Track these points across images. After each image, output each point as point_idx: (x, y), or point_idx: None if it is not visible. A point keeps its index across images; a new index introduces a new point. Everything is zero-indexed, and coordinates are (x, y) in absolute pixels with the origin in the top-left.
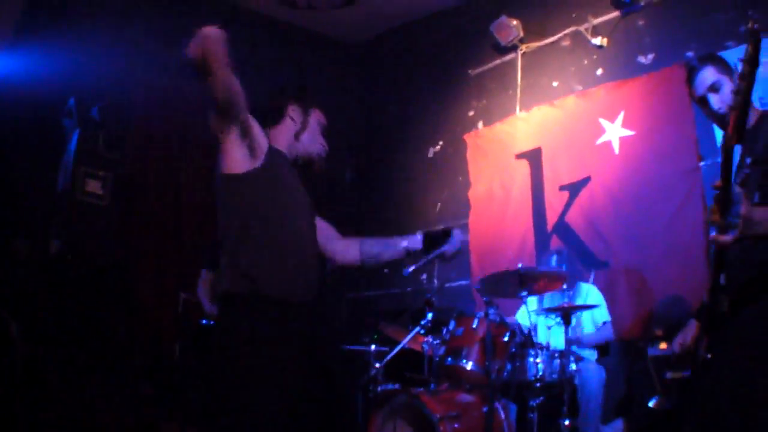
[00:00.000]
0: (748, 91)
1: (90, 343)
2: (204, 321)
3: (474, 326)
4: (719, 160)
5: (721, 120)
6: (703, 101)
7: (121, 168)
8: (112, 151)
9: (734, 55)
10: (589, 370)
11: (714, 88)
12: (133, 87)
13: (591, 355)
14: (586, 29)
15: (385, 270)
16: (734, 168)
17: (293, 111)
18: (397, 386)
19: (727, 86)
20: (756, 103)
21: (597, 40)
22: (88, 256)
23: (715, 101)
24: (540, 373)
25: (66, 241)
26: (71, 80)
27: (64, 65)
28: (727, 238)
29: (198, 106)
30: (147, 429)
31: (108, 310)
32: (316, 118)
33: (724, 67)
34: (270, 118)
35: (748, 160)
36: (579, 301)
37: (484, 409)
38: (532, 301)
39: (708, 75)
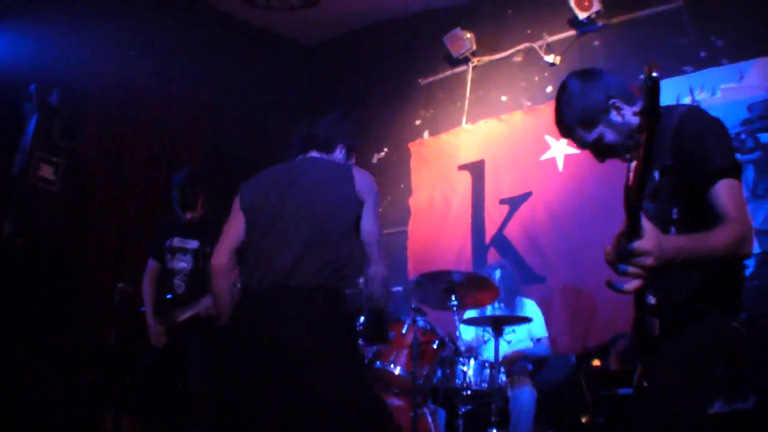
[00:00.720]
0: (649, 143)
1: (34, 326)
2: (143, 308)
3: (403, 332)
4: None
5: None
6: (587, 147)
7: (73, 155)
8: (66, 138)
9: (690, 81)
10: (522, 383)
11: (594, 146)
12: (92, 76)
13: (525, 368)
14: (540, 46)
15: None
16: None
17: (341, 150)
18: None
19: (608, 135)
20: None
21: (550, 58)
22: (36, 240)
23: (599, 156)
24: (469, 382)
25: (17, 223)
26: (33, 66)
27: (27, 50)
28: (631, 286)
29: (152, 100)
30: (89, 416)
31: (53, 295)
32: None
33: (593, 118)
34: (320, 145)
35: (656, 173)
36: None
37: (412, 414)
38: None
39: (581, 137)
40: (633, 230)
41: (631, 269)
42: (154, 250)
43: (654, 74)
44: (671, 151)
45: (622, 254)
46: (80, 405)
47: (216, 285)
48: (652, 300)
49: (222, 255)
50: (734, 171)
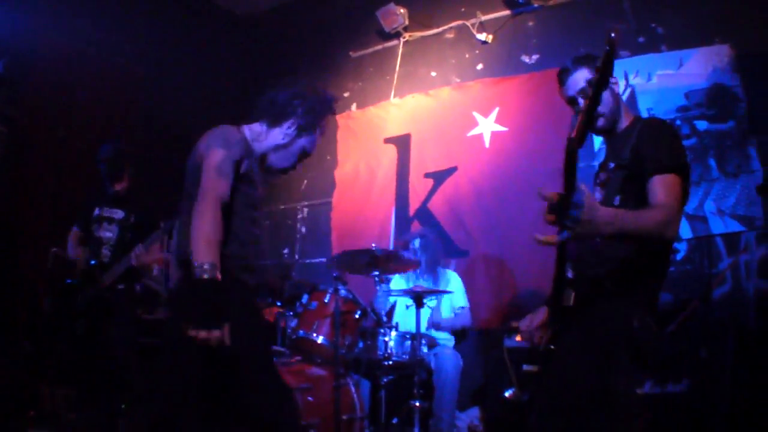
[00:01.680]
0: (596, 96)
1: None
2: (69, 280)
3: (326, 301)
4: (594, 163)
5: (595, 129)
6: (573, 102)
7: (15, 124)
8: (10, 106)
9: (625, 65)
10: (446, 355)
11: (584, 91)
12: (39, 46)
13: (449, 341)
14: (473, 24)
15: None
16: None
17: (291, 126)
18: None
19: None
20: (642, 112)
21: (482, 36)
22: None
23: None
24: (390, 353)
25: None
26: None
27: None
28: (559, 238)
29: (93, 70)
30: (26, 387)
31: None
32: (303, 143)
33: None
34: (270, 118)
35: (612, 165)
36: (439, 287)
37: (335, 384)
38: (397, 281)
39: (580, 77)
40: (568, 184)
41: (560, 220)
42: (79, 218)
43: (612, 35)
44: (631, 150)
45: (555, 205)
46: (18, 376)
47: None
48: (570, 274)
49: None
50: (676, 169)
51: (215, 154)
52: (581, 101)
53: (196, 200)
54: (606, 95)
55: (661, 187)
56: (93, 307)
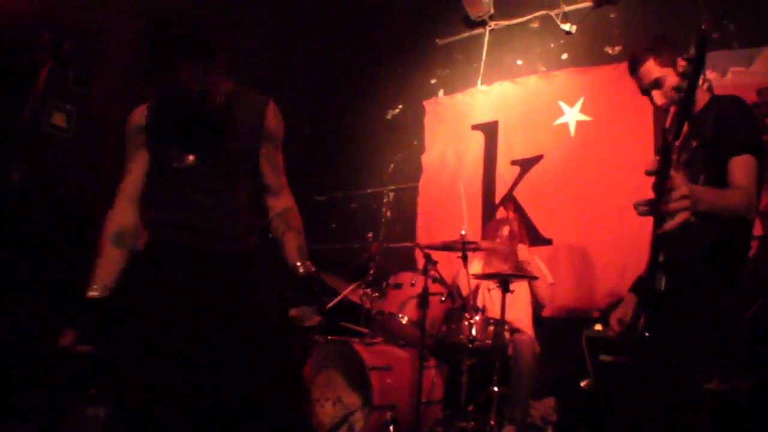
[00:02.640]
0: (691, 90)
1: (42, 275)
2: None
3: (413, 282)
4: None
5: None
6: (647, 93)
7: (87, 103)
8: (80, 86)
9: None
10: (524, 342)
11: (657, 83)
12: (108, 24)
13: (528, 327)
14: (557, 14)
15: (333, 225)
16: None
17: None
18: (333, 336)
19: (670, 80)
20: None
21: (566, 26)
22: (47, 187)
23: (657, 97)
24: (473, 337)
25: (26, 170)
26: (47, 12)
27: None
28: (673, 222)
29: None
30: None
31: (63, 243)
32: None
33: (667, 59)
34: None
35: (694, 144)
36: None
37: (417, 366)
38: (476, 265)
39: (650, 70)
40: (663, 170)
41: (673, 204)
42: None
43: (704, 36)
44: (712, 128)
45: (658, 192)
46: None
47: None
48: (660, 258)
49: None
50: (754, 148)
51: None
52: (653, 95)
53: None
54: (674, 83)
55: (739, 168)
56: None
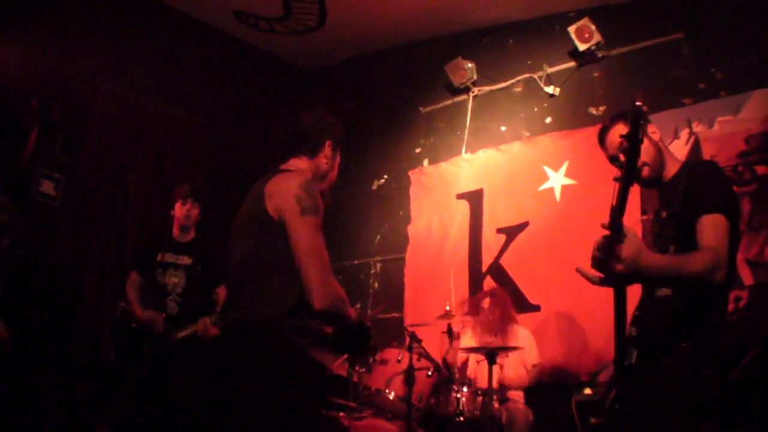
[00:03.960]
0: (630, 166)
1: (32, 339)
2: (134, 324)
3: (399, 358)
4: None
5: (643, 181)
6: (614, 160)
7: (74, 171)
8: (67, 154)
9: (688, 113)
10: (517, 410)
11: (623, 147)
12: (94, 92)
13: (519, 396)
14: (540, 77)
15: None
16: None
17: (329, 147)
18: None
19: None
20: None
21: (550, 89)
22: (37, 254)
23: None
24: (461, 409)
25: (17, 238)
26: (34, 80)
27: (27, 65)
28: (592, 274)
29: (152, 118)
30: (80, 430)
31: (52, 309)
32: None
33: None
34: (307, 149)
35: (664, 215)
36: (510, 343)
37: None
38: (466, 339)
39: (617, 134)
40: (615, 233)
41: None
42: (139, 262)
43: (637, 103)
44: (681, 197)
45: (601, 250)
46: (74, 419)
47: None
48: (633, 332)
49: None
50: (725, 209)
51: (312, 211)
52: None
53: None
54: (645, 145)
55: (708, 228)
56: (159, 360)
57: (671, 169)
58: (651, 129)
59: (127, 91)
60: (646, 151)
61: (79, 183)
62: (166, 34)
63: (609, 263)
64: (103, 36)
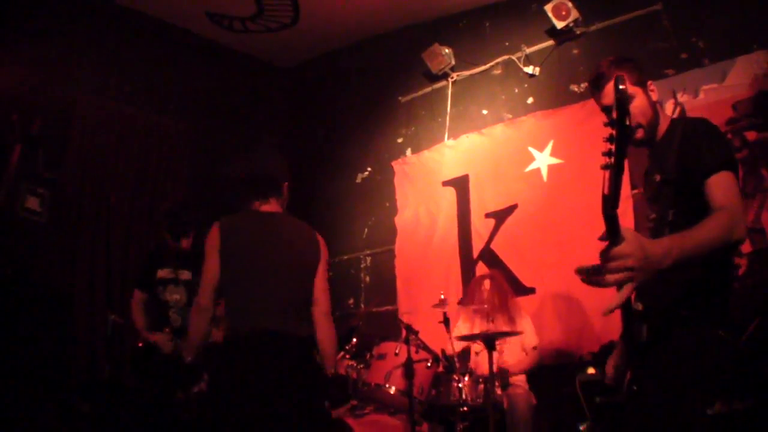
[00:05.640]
0: (620, 155)
1: (25, 358)
2: (141, 344)
3: (396, 352)
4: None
5: (635, 142)
6: (610, 110)
7: (58, 186)
8: (50, 169)
9: (672, 84)
10: (518, 395)
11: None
12: (76, 107)
13: (522, 380)
14: (519, 58)
15: None
16: (617, 228)
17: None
18: None
19: (639, 101)
20: None
21: (529, 69)
22: (26, 272)
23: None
24: (464, 398)
25: (5, 255)
26: (14, 95)
27: (7, 80)
28: (618, 299)
29: (133, 128)
30: None
31: (44, 326)
32: None
33: (638, 78)
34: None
35: (657, 178)
36: (516, 324)
37: None
38: (461, 327)
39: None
40: (612, 237)
41: (611, 276)
42: (141, 280)
43: (621, 87)
44: (675, 160)
45: (604, 261)
46: None
47: (199, 323)
48: (639, 307)
49: (207, 295)
50: (728, 164)
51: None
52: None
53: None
54: (643, 104)
55: (717, 188)
56: (169, 371)
57: (661, 127)
58: (651, 87)
59: (107, 101)
60: (642, 112)
61: (64, 198)
62: (142, 41)
63: (613, 267)
64: (81, 47)
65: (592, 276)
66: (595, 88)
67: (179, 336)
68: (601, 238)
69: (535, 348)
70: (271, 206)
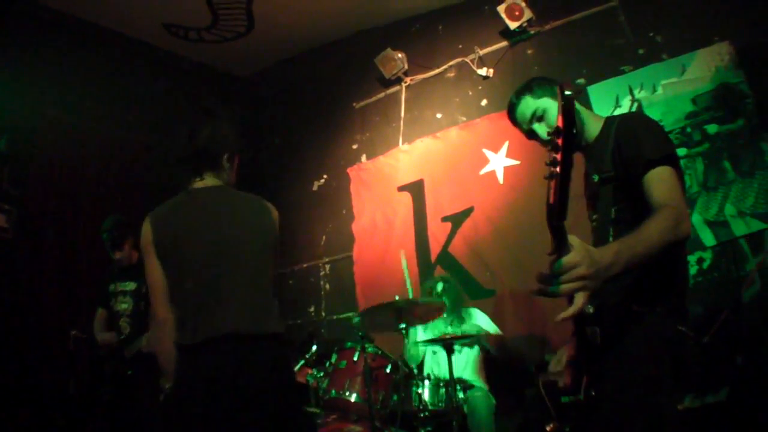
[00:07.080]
0: (566, 163)
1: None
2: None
3: (355, 359)
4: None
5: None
6: (532, 134)
7: (23, 203)
8: (16, 186)
9: (629, 80)
10: (477, 398)
11: (536, 116)
12: (41, 124)
13: (478, 381)
14: (472, 60)
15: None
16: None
17: (227, 160)
18: None
19: (552, 109)
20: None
21: (483, 71)
22: None
23: (542, 130)
24: (425, 403)
25: None
26: None
27: None
28: (573, 308)
29: (95, 144)
30: None
31: (15, 344)
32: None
33: (542, 89)
34: (209, 165)
35: (596, 178)
36: (467, 326)
37: None
38: (422, 330)
39: (526, 107)
40: (559, 247)
41: (563, 286)
42: (100, 298)
43: (567, 93)
44: (611, 157)
45: (553, 272)
46: None
47: (163, 340)
48: (590, 309)
49: (160, 303)
50: (666, 159)
51: None
52: (538, 130)
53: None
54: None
55: (656, 184)
56: (118, 378)
57: (593, 129)
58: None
59: (68, 116)
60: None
61: (29, 214)
62: (102, 55)
63: (564, 278)
64: (42, 63)
65: (544, 285)
66: (511, 120)
67: (128, 343)
68: (551, 253)
69: (500, 335)
70: (206, 183)
